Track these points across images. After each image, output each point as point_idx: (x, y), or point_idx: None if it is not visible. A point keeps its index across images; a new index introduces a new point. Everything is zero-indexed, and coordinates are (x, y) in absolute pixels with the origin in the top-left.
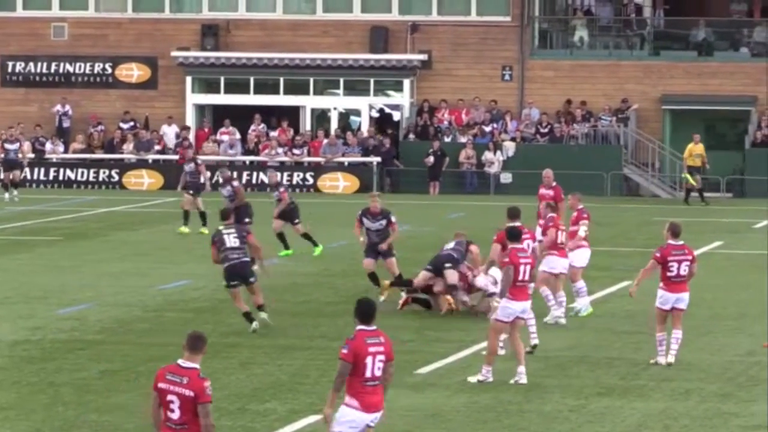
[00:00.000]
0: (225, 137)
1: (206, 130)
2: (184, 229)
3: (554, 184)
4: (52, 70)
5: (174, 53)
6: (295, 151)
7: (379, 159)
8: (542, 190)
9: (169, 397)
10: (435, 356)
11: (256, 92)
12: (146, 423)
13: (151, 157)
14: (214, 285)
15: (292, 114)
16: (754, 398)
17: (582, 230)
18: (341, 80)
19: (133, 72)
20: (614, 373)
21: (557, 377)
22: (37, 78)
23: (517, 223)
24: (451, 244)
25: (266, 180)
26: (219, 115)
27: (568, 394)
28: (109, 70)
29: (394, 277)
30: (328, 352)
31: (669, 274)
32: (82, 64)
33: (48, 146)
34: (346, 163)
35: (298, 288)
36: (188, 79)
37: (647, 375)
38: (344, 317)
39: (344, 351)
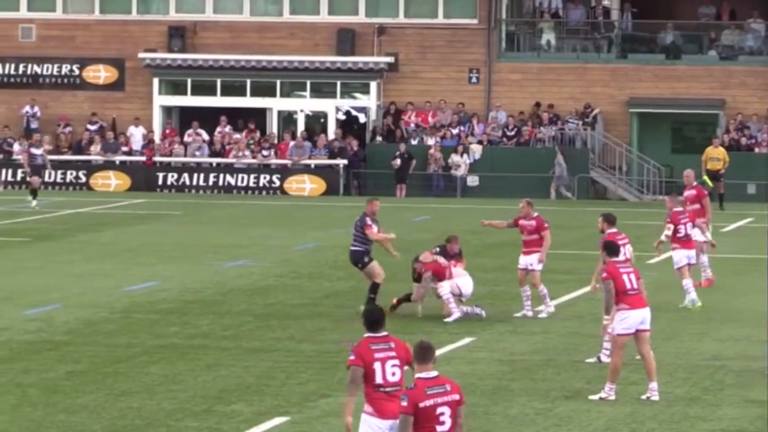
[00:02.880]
0: (191, 139)
1: (168, 131)
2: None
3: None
4: (20, 72)
5: (141, 55)
6: (263, 153)
7: (345, 161)
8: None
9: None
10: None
11: (222, 94)
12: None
13: (118, 158)
14: (180, 287)
15: (259, 116)
16: (719, 402)
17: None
18: (308, 82)
19: (101, 73)
20: (581, 377)
21: (523, 380)
22: (5, 79)
23: (614, 229)
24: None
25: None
26: (186, 117)
27: (535, 398)
28: (77, 72)
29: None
30: (294, 355)
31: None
32: (50, 66)
33: (16, 147)
34: (312, 166)
35: (265, 290)
36: (155, 81)
37: None
38: (312, 319)
39: (350, 358)
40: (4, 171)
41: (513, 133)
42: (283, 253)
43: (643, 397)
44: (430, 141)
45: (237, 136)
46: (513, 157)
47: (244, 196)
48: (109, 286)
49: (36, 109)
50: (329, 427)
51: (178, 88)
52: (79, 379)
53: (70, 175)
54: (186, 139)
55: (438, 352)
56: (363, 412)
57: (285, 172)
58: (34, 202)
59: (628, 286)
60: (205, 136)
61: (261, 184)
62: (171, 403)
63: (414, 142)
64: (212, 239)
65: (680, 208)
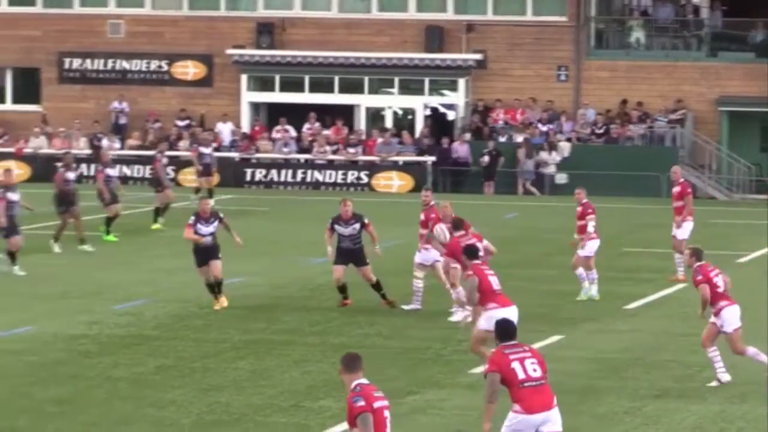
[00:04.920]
0: (279, 135)
1: (256, 128)
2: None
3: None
4: (109, 67)
5: (229, 51)
6: (350, 150)
7: (433, 158)
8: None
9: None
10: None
11: (311, 91)
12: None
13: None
14: (268, 283)
15: (346, 113)
16: None
17: (590, 225)
18: (396, 79)
19: (189, 69)
20: (669, 376)
21: (611, 379)
22: (94, 75)
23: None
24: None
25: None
26: (274, 114)
27: (623, 396)
28: (165, 68)
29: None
30: (382, 351)
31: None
32: (139, 62)
33: (104, 143)
34: (400, 162)
35: (353, 287)
36: (243, 77)
37: (702, 377)
38: (399, 316)
39: (486, 367)
40: (93, 166)
41: (602, 130)
42: (370, 250)
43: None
44: (519, 138)
45: (325, 132)
46: (602, 155)
47: (332, 192)
48: (197, 281)
49: (124, 104)
50: (417, 424)
51: (266, 85)
52: (168, 373)
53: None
54: (274, 135)
55: None
56: (511, 411)
57: (373, 168)
58: (211, 202)
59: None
60: (293, 133)
61: (348, 181)
62: (259, 399)
63: (502, 139)
64: (300, 236)
65: None
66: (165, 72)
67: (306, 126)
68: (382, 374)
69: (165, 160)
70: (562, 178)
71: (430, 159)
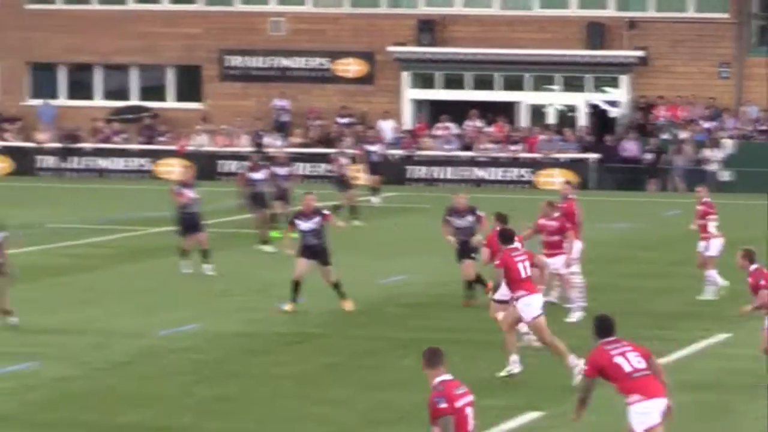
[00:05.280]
0: (441, 132)
1: (418, 125)
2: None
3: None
4: (270, 65)
5: (390, 48)
6: (512, 147)
7: (596, 155)
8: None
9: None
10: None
11: (472, 88)
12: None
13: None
14: (428, 280)
15: (508, 110)
16: None
17: (711, 226)
18: (558, 76)
19: (350, 67)
20: None
21: None
22: (255, 72)
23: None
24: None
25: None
26: (435, 111)
27: None
28: (327, 65)
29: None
30: (548, 349)
31: None
32: (300, 59)
33: (266, 140)
34: (562, 160)
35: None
36: (405, 75)
37: None
38: (566, 314)
39: (586, 368)
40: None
41: (765, 128)
42: (532, 247)
43: None
44: (683, 134)
45: (487, 129)
46: (766, 153)
47: (494, 189)
48: (361, 279)
49: (286, 102)
50: (583, 423)
51: (427, 82)
52: (332, 371)
53: (320, 169)
54: (436, 132)
55: (692, 348)
56: (628, 404)
57: (535, 165)
58: (375, 199)
59: None
60: (455, 130)
61: (510, 178)
62: (423, 397)
63: (664, 136)
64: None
65: None
66: (326, 69)
67: (467, 123)
68: (548, 373)
69: (345, 160)
70: (726, 176)
71: (592, 156)
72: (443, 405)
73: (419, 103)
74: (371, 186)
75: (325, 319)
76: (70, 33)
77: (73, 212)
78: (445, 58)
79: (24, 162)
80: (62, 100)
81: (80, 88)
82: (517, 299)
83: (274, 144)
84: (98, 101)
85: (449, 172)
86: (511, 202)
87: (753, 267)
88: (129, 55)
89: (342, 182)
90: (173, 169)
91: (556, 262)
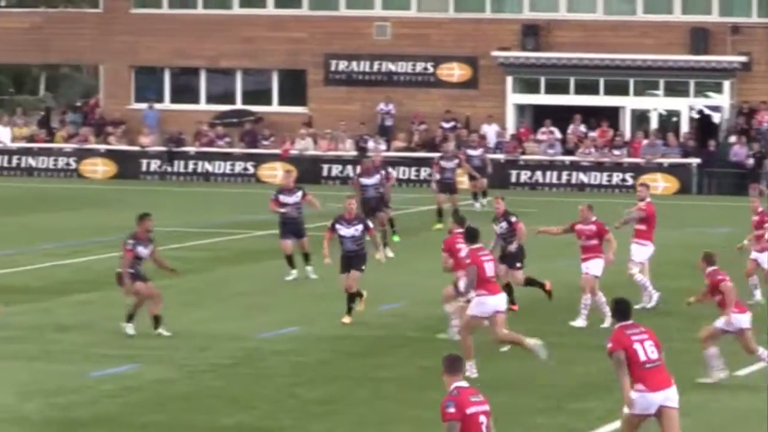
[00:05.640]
0: (544, 137)
1: (522, 130)
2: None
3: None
4: (375, 69)
5: (494, 53)
6: (615, 152)
7: (699, 160)
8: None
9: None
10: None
11: (576, 92)
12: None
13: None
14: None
15: (611, 114)
16: None
17: None
18: (661, 81)
19: (454, 71)
20: None
21: None
22: (360, 77)
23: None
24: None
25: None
26: (538, 115)
27: None
28: (431, 70)
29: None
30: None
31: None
32: (404, 63)
33: (370, 144)
34: (665, 164)
35: (611, 288)
36: (509, 79)
37: None
38: (656, 317)
39: (609, 346)
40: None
41: None
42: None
43: None
44: None
45: (591, 134)
46: None
47: (597, 194)
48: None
49: (390, 106)
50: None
51: (531, 86)
52: (431, 374)
53: (424, 172)
54: (539, 137)
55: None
56: (633, 391)
57: (638, 170)
58: (478, 204)
59: None
60: (558, 134)
61: (613, 183)
62: (521, 400)
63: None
64: (565, 237)
65: None
66: (430, 74)
67: (571, 127)
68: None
69: (448, 164)
70: None
71: (695, 161)
72: (451, 410)
73: (522, 108)
74: (473, 191)
75: (423, 323)
76: (175, 37)
77: (176, 215)
78: (548, 62)
79: (128, 165)
80: (166, 104)
81: (185, 92)
82: (475, 296)
83: (378, 149)
84: (202, 105)
85: (552, 177)
86: (614, 206)
87: (710, 269)
88: (234, 59)
89: (446, 186)
90: (276, 172)
91: (590, 267)
